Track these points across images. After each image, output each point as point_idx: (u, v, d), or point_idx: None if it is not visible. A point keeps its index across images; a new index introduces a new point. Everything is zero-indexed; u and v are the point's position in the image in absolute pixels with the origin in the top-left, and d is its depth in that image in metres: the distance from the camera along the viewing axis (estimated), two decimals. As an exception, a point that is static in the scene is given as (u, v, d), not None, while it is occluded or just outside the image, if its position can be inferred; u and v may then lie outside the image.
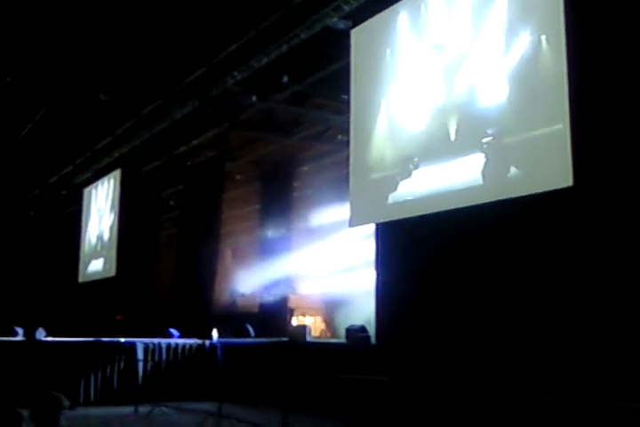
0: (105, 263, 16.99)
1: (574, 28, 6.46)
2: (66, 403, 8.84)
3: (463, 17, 7.84)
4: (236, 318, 15.55)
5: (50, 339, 11.55)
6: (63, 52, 11.10)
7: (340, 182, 12.32)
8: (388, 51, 8.97)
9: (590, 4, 6.48)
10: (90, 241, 18.43)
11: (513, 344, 6.86)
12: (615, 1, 6.29)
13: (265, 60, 10.60)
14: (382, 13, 9.08)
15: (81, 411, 9.56)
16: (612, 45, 6.26)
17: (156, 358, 10.92)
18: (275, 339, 11.62)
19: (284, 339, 11.24)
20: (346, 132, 10.14)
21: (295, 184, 16.84)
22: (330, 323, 18.07)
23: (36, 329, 11.62)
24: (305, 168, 16.50)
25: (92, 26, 10.21)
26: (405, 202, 8.45)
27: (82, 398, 10.19)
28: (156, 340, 11.34)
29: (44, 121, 13.76)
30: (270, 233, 16.25)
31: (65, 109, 13.25)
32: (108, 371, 10.52)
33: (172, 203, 19.35)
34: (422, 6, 8.46)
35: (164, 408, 9.45)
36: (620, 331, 5.92)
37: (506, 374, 6.71)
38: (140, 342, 10.93)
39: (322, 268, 16.94)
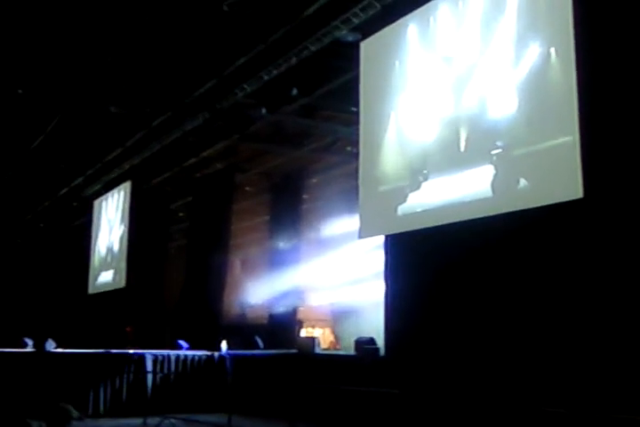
0: (115, 275, 17.04)
1: (584, 40, 6.47)
2: (75, 414, 8.84)
3: (472, 29, 7.86)
4: (244, 330, 15.57)
5: (59, 350, 11.57)
6: (74, 64, 11.19)
7: (349, 194, 12.35)
8: (397, 63, 9.00)
9: (600, 15, 6.48)
10: (100, 253, 18.49)
11: (523, 356, 6.81)
12: (624, 13, 6.29)
13: (274, 73, 10.66)
14: (391, 26, 9.12)
15: (90, 422, 9.57)
16: (622, 57, 6.26)
17: (165, 369, 10.92)
18: (283, 351, 11.60)
19: (293, 351, 11.22)
20: (355, 143, 10.17)
21: (304, 196, 16.88)
22: (339, 335, 18.03)
23: (45, 340, 11.65)
24: (314, 180, 16.54)
25: (103, 39, 10.30)
26: (415, 214, 8.45)
27: (91, 409, 10.18)
28: (165, 351, 11.35)
29: (55, 133, 13.86)
30: (279, 244, 16.26)
31: (76, 121, 13.34)
32: (117, 382, 10.52)
33: (181, 214, 19.41)
34: (431, 19, 8.50)
35: (173, 420, 9.43)
36: (632, 343, 5.88)
37: (516, 386, 6.67)
38: (149, 354, 10.94)
39: (331, 279, 16.92)
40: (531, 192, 6.92)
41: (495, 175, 7.32)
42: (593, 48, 6.43)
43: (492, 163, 7.36)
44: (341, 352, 12.77)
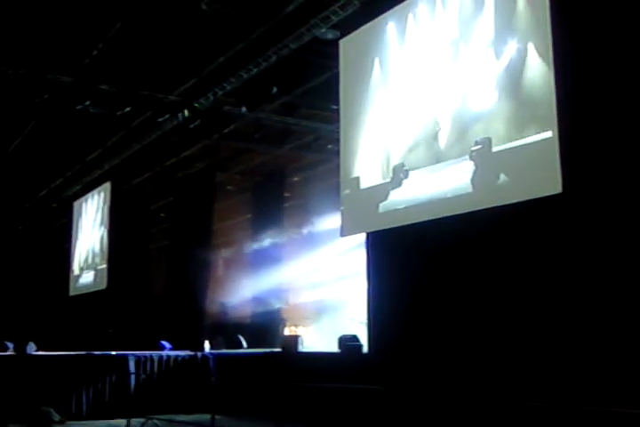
0: (96, 276, 16.92)
1: (561, 35, 6.50)
2: (56, 417, 8.79)
3: (451, 26, 7.88)
4: (228, 330, 15.51)
5: (41, 353, 11.47)
6: (51, 64, 11.09)
7: (331, 192, 12.34)
8: (376, 60, 9.01)
9: (577, 11, 6.52)
10: (80, 254, 18.36)
11: (507, 351, 6.85)
12: (602, 8, 6.32)
13: (254, 71, 10.64)
14: (370, 23, 9.12)
15: (72, 425, 9.51)
16: (600, 52, 6.30)
17: (148, 370, 10.87)
18: (267, 349, 11.58)
19: (277, 349, 11.21)
20: (336, 141, 10.17)
21: (286, 194, 16.87)
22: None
23: (26, 343, 11.54)
24: (296, 178, 16.54)
25: (80, 38, 10.22)
26: (396, 211, 8.46)
27: (73, 412, 10.11)
28: (147, 352, 11.28)
29: (33, 135, 13.73)
30: (262, 243, 16.24)
31: (54, 122, 13.22)
32: (99, 384, 10.45)
33: (162, 215, 19.32)
34: (410, 16, 8.51)
35: (157, 421, 9.39)
36: (612, 337, 5.93)
37: (500, 382, 6.70)
38: (131, 355, 10.88)
39: (314, 277, 16.91)
40: (511, 187, 6.96)
41: (475, 171, 7.35)
42: (570, 43, 6.47)
43: (471, 159, 7.39)
44: (325, 350, 12.77)
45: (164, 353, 11.49)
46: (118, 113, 12.22)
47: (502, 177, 7.02)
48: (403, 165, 8.43)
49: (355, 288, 12.77)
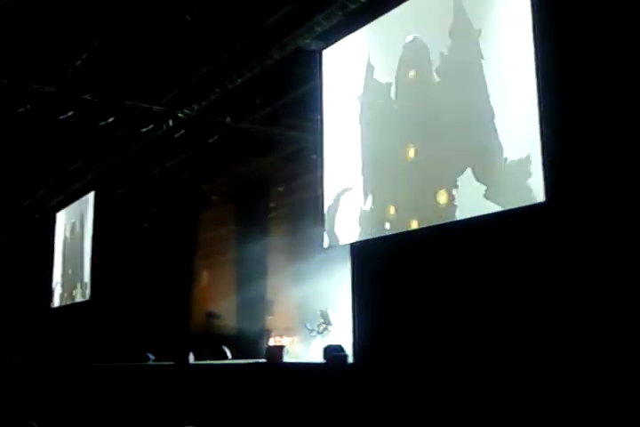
0: (79, 288, 16.79)
1: (544, 53, 6.56)
2: (39, 430, 8.62)
3: (433, 39, 7.92)
4: (212, 341, 15.43)
5: (22, 364, 11.38)
6: (34, 74, 11.06)
7: (316, 202, 12.34)
8: (358, 71, 9.04)
9: (560, 31, 6.58)
10: (63, 265, 18.21)
11: (496, 365, 6.85)
12: (584, 26, 6.39)
13: (238, 82, 10.67)
14: (353, 35, 9.16)
15: (55, 438, 9.42)
16: (582, 68, 6.37)
17: (131, 382, 10.80)
18: (252, 360, 11.53)
19: (262, 360, 11.15)
20: (320, 152, 10.17)
21: (271, 204, 16.85)
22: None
23: (9, 355, 11.44)
24: (280, 188, 16.53)
25: (64, 47, 10.20)
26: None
27: (56, 425, 10.02)
28: (131, 364, 11.22)
29: (15, 145, 13.65)
30: (246, 253, 16.19)
31: (36, 133, 13.15)
32: (82, 396, 10.37)
33: (146, 225, 19.21)
34: (393, 28, 8.55)
35: (140, 434, 9.34)
36: (596, 354, 5.94)
37: (488, 397, 6.70)
38: (114, 367, 10.81)
39: (299, 288, 16.88)
40: (493, 197, 6.98)
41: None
42: (553, 60, 6.52)
43: (455, 169, 7.42)
44: (310, 360, 12.74)
45: (148, 364, 11.42)
46: (101, 123, 12.20)
47: (485, 187, 7.05)
48: (387, 174, 8.45)
49: (331, 298, 12.83)
